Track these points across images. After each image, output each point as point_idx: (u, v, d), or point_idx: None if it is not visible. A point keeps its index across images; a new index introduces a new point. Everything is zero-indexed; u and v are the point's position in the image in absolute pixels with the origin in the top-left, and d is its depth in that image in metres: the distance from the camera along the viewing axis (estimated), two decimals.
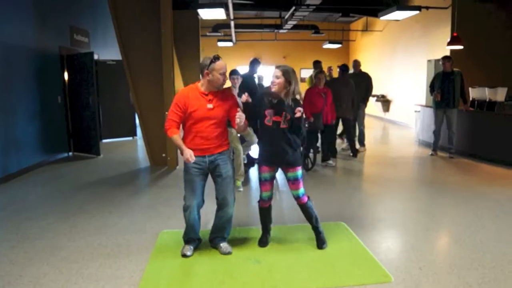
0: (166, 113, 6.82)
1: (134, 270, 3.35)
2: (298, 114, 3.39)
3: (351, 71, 8.95)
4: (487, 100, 7.94)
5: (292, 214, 4.39)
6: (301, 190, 3.65)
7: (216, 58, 3.38)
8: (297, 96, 3.57)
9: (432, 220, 4.55)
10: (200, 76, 3.53)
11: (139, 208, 5.01)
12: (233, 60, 18.28)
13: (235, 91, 5.95)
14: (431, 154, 8.08)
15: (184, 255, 3.56)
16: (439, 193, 5.56)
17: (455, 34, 8.84)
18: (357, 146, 8.76)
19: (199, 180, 3.50)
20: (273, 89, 3.47)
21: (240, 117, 3.32)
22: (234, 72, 5.99)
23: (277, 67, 3.50)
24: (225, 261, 3.50)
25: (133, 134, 10.68)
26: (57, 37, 8.17)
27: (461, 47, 8.77)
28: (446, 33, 10.03)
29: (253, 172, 6.78)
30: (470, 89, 8.48)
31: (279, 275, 3.24)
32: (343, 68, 7.94)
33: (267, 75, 5.90)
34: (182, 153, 3.38)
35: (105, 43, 10.66)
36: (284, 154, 3.53)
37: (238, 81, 5.89)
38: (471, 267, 3.33)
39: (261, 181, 3.65)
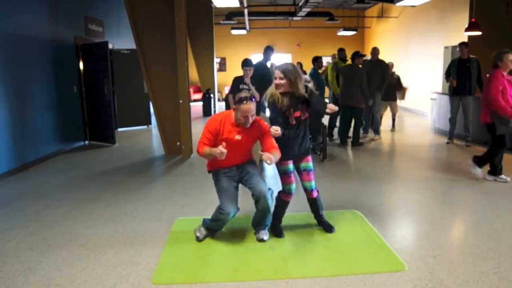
0: (181, 101, 7.00)
1: (150, 256, 3.40)
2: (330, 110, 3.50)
3: (368, 57, 8.88)
4: None
5: (305, 202, 4.40)
6: (313, 182, 3.72)
7: (243, 100, 3.39)
8: (309, 85, 3.62)
9: (447, 208, 4.51)
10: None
11: (154, 196, 5.07)
12: (247, 48, 18.26)
13: (247, 80, 5.96)
14: (447, 142, 7.99)
15: (196, 236, 3.69)
16: (454, 181, 5.51)
17: (473, 20, 8.66)
18: (372, 134, 8.72)
19: (232, 186, 3.61)
20: (281, 90, 3.51)
21: (269, 159, 3.32)
22: (246, 63, 5.99)
23: (277, 68, 3.52)
24: (239, 248, 3.54)
25: (148, 122, 10.77)
26: (72, 27, 8.24)
27: (479, 33, 8.59)
28: (463, 19, 9.83)
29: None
30: (487, 76, 8.31)
31: (292, 262, 3.26)
32: (353, 56, 7.89)
33: (281, 63, 5.88)
34: (216, 155, 3.34)
35: (119, 33, 10.72)
36: (302, 144, 3.63)
37: (251, 72, 5.95)
38: (486, 256, 3.31)
39: (286, 173, 3.63)
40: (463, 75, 7.44)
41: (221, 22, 15.65)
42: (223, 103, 6.70)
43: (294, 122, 3.55)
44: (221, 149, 3.28)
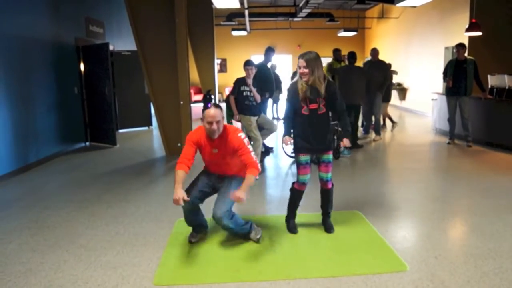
0: (181, 102, 7.00)
1: (151, 257, 3.40)
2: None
3: (368, 58, 8.88)
4: (507, 87, 7.79)
5: (308, 203, 4.40)
6: (330, 174, 3.77)
7: (211, 105, 3.40)
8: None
9: (449, 209, 4.51)
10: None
11: (155, 197, 5.07)
12: (248, 49, 18.27)
13: (250, 81, 5.93)
14: (448, 143, 7.99)
15: (189, 241, 3.68)
16: (455, 182, 5.51)
17: (473, 21, 8.66)
18: (373, 135, 8.71)
19: (204, 183, 3.67)
20: (305, 79, 3.53)
21: (237, 200, 3.23)
22: (248, 63, 5.97)
23: (300, 56, 3.53)
24: (240, 248, 3.54)
25: (149, 124, 10.78)
26: (73, 28, 8.25)
27: (479, 33, 8.59)
28: (464, 20, 9.83)
29: (268, 160, 6.80)
30: (489, 76, 8.32)
31: (294, 263, 3.26)
32: (349, 56, 7.91)
33: (282, 63, 5.84)
34: (175, 191, 3.26)
35: (120, 34, 10.74)
36: (321, 139, 3.65)
37: (253, 72, 5.88)
38: (488, 257, 3.30)
39: (302, 164, 3.71)
40: (459, 76, 7.46)
41: (222, 23, 15.66)
42: (224, 104, 6.70)
43: (307, 113, 3.57)
44: (181, 199, 3.21)
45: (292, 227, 3.86)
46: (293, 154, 3.92)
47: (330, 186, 3.79)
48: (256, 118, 6.05)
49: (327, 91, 3.56)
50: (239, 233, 3.64)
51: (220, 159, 3.57)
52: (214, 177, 3.70)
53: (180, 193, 3.25)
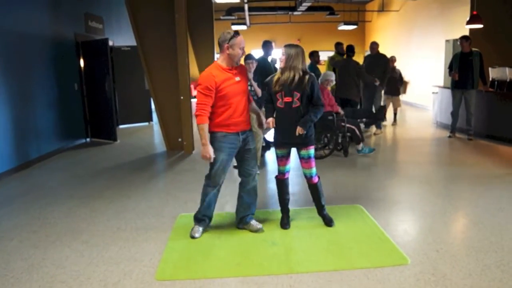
0: (182, 97, 6.98)
1: (153, 252, 3.41)
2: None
3: (368, 52, 8.86)
4: (508, 80, 7.76)
5: (309, 197, 4.40)
6: (314, 169, 3.74)
7: (237, 33, 3.44)
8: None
9: (450, 202, 4.51)
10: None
11: (156, 193, 5.08)
12: (248, 43, 18.11)
13: (251, 75, 5.89)
14: (449, 136, 7.97)
15: (193, 237, 3.64)
16: (456, 175, 5.50)
17: (474, 13, 8.61)
18: (374, 129, 8.70)
19: (230, 159, 3.59)
20: (281, 65, 3.62)
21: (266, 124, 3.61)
22: (249, 57, 5.93)
23: (284, 45, 3.64)
24: (242, 243, 3.54)
25: (149, 119, 10.77)
26: (72, 24, 8.22)
27: (481, 26, 8.54)
28: (465, 12, 9.78)
29: (269, 155, 6.79)
30: (490, 69, 8.29)
31: (295, 257, 3.27)
32: (347, 49, 7.92)
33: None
34: (203, 147, 3.40)
35: (119, 29, 10.70)
36: (294, 132, 3.58)
37: (253, 66, 5.84)
38: (489, 250, 3.30)
39: (278, 157, 3.78)
40: (465, 68, 7.41)
41: (222, 17, 15.60)
42: None
43: (282, 106, 3.60)
44: (211, 153, 3.39)
45: (284, 223, 3.83)
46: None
47: (315, 180, 3.77)
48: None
49: (306, 85, 3.55)
50: (256, 196, 3.77)
51: (243, 90, 3.53)
52: (237, 143, 3.54)
53: (211, 150, 3.40)
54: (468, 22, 8.64)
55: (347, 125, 6.42)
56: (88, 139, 8.67)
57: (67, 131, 7.82)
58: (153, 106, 9.52)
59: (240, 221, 3.79)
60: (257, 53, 6.96)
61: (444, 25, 11.46)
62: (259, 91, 5.84)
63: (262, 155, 6.39)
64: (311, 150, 3.71)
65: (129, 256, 3.36)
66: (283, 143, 3.70)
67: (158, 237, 3.72)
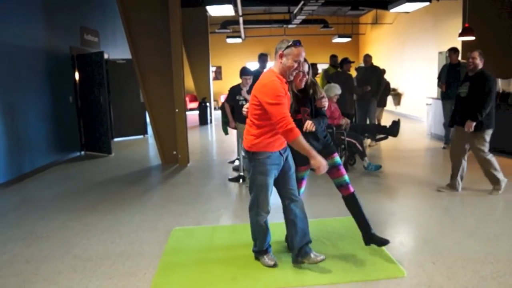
0: (177, 110, 6.98)
1: (147, 267, 3.37)
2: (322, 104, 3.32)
3: (361, 65, 8.93)
4: (500, 91, 7.83)
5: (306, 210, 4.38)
6: (346, 176, 3.39)
7: (297, 43, 2.99)
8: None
9: (445, 214, 4.50)
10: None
11: (151, 206, 5.04)
12: (243, 56, 18.31)
13: (245, 90, 5.85)
14: (444, 147, 8.00)
15: (269, 266, 3.29)
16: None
17: (466, 25, 8.71)
18: (368, 141, 8.71)
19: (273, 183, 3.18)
20: (303, 85, 3.24)
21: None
22: (245, 72, 5.84)
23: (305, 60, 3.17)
24: (237, 257, 3.51)
25: (144, 132, 10.75)
26: (67, 37, 8.24)
27: (473, 38, 8.64)
28: (457, 24, 9.89)
29: None
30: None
31: (291, 271, 3.24)
32: (341, 62, 7.99)
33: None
34: (312, 160, 2.93)
35: (114, 43, 10.73)
36: (318, 146, 3.29)
37: (250, 81, 5.77)
38: (485, 261, 3.29)
39: (298, 180, 3.37)
40: (453, 79, 7.52)
41: (217, 30, 15.68)
42: (219, 112, 6.70)
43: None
44: (325, 162, 2.94)
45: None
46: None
47: (352, 189, 3.39)
48: None
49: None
50: (306, 232, 3.24)
51: (288, 107, 3.07)
52: (280, 161, 3.13)
53: (323, 159, 2.94)
54: (461, 35, 8.73)
55: (347, 139, 6.38)
56: (82, 152, 8.63)
57: (61, 144, 7.78)
58: (148, 119, 9.52)
59: (299, 254, 3.23)
60: (252, 65, 6.99)
61: (437, 37, 11.58)
62: None
63: None
64: (336, 157, 3.39)
65: (123, 270, 3.33)
66: (306, 162, 3.14)
67: (152, 251, 3.69)
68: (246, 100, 5.79)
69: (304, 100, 3.26)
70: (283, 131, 2.86)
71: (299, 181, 3.42)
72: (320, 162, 2.91)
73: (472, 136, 4.92)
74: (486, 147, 4.96)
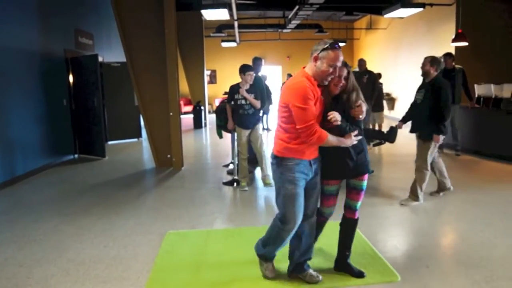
0: (171, 113, 6.96)
1: (141, 271, 3.35)
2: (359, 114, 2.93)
3: (356, 69, 8.96)
4: (493, 96, 7.90)
5: None
6: (360, 202, 3.17)
7: (335, 46, 2.75)
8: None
9: (439, 218, 4.52)
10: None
11: (145, 210, 5.02)
12: (237, 60, 18.25)
13: (244, 88, 5.54)
14: (437, 152, 8.03)
15: (266, 277, 3.17)
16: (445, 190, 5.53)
17: (460, 31, 8.79)
18: None
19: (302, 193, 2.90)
20: (338, 91, 2.91)
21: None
22: (249, 68, 5.59)
23: (344, 64, 2.92)
24: (231, 261, 3.50)
25: (138, 135, 10.71)
26: (62, 40, 8.21)
27: (466, 43, 8.72)
28: (450, 30, 9.97)
29: (258, 171, 6.78)
30: (475, 85, 8.43)
31: (286, 276, 3.23)
32: None
33: (271, 74, 5.64)
34: (345, 142, 2.79)
35: (109, 46, 10.71)
36: (351, 163, 2.98)
37: (252, 78, 5.55)
38: (479, 265, 3.31)
39: (326, 195, 3.11)
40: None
41: (211, 34, 15.71)
42: (213, 115, 6.67)
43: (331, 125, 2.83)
44: (351, 137, 2.77)
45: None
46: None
47: (357, 215, 3.21)
48: (248, 131, 5.67)
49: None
50: (309, 249, 3.12)
51: (321, 113, 2.84)
52: (310, 171, 2.88)
53: (347, 137, 2.79)
54: (454, 40, 8.81)
55: None
56: (76, 155, 8.58)
57: (55, 147, 7.74)
58: (142, 122, 9.50)
59: (295, 268, 3.14)
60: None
61: (431, 42, 11.66)
62: (256, 103, 5.57)
63: (251, 171, 6.36)
64: (365, 182, 3.10)
65: (116, 274, 3.30)
66: (337, 175, 2.98)
67: (146, 255, 3.67)
68: (245, 99, 5.55)
69: (339, 107, 2.89)
70: (311, 140, 2.69)
71: (327, 196, 3.13)
72: (349, 140, 2.79)
73: (421, 142, 4.92)
74: (429, 158, 4.89)
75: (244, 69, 5.55)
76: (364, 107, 2.93)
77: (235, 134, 6.04)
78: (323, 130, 2.70)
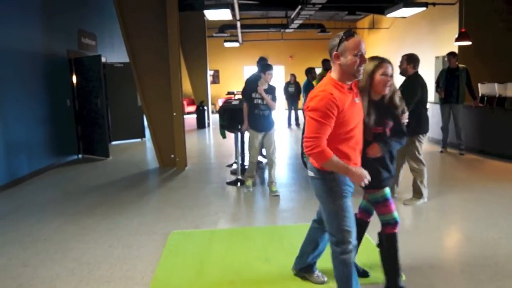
0: (174, 113, 6.98)
1: (145, 270, 3.36)
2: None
3: None
4: (497, 95, 7.87)
5: (302, 212, 4.38)
6: (396, 213, 2.82)
7: (350, 33, 2.45)
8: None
9: (443, 217, 4.51)
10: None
11: (149, 210, 5.03)
12: (240, 60, 18.36)
13: (262, 88, 5.23)
14: (441, 151, 8.02)
15: (321, 283, 3.10)
16: (449, 190, 5.51)
17: (463, 30, 8.76)
18: None
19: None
20: (387, 92, 2.69)
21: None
22: (270, 67, 5.27)
23: (388, 62, 2.72)
24: (235, 260, 3.50)
25: (142, 135, 10.73)
26: (65, 40, 8.24)
27: (469, 43, 8.69)
28: (453, 29, 9.95)
29: (260, 171, 6.79)
30: (479, 85, 8.41)
31: (289, 275, 3.23)
32: (326, 65, 8.02)
33: (274, 74, 5.52)
34: (351, 176, 2.41)
35: (112, 46, 10.74)
36: (379, 173, 2.76)
37: (272, 78, 5.26)
38: (484, 265, 3.30)
39: (388, 199, 2.84)
40: (452, 84, 7.54)
41: (214, 34, 15.73)
42: (216, 115, 6.67)
43: (370, 138, 2.67)
44: (367, 175, 2.42)
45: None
46: None
47: (397, 229, 2.84)
48: (262, 134, 5.38)
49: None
50: (321, 253, 3.07)
51: (361, 115, 2.59)
52: (352, 189, 2.63)
53: (363, 171, 2.42)
54: (457, 39, 8.78)
55: None
56: (80, 156, 8.60)
57: (58, 147, 7.76)
58: (145, 123, 9.51)
59: (304, 269, 3.13)
60: (251, 69, 6.98)
61: (434, 42, 11.64)
62: (273, 104, 5.30)
63: (257, 170, 6.34)
64: (387, 189, 2.82)
65: (121, 274, 3.31)
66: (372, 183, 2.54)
67: (150, 254, 3.67)
68: (262, 99, 5.26)
69: (386, 111, 2.69)
70: (311, 153, 2.36)
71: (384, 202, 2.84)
72: (359, 175, 2.40)
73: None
74: (419, 155, 4.82)
75: (264, 68, 5.26)
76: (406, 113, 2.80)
77: (238, 134, 6.04)
78: (329, 150, 2.35)
